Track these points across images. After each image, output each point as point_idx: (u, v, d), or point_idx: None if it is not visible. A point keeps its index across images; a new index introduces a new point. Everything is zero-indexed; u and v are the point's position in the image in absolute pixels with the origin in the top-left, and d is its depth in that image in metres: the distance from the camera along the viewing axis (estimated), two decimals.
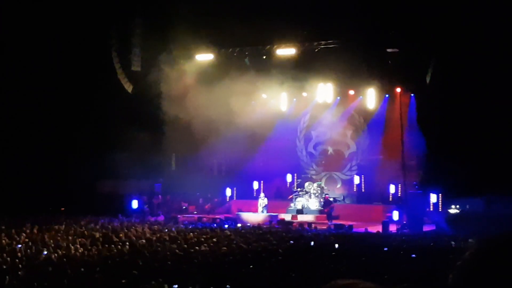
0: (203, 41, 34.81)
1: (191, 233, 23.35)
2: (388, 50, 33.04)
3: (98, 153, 33.68)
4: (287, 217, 33.29)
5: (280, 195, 37.56)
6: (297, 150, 40.06)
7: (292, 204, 35.30)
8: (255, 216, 33.08)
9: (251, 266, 15.55)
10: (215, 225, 29.14)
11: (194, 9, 33.12)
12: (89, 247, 19.11)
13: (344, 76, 35.03)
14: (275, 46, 35.48)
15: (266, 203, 34.39)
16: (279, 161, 37.95)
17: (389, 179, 34.82)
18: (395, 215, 30.73)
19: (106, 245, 19.32)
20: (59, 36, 33.77)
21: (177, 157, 38.96)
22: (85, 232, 23.62)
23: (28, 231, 23.35)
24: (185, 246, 19.31)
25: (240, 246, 19.54)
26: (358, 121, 38.18)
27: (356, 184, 37.45)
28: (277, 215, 33.01)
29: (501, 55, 29.02)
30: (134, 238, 21.78)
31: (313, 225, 30.12)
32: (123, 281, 13.17)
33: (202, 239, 21.45)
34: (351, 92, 37.52)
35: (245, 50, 36.49)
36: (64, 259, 16.48)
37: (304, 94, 38.05)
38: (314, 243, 21.47)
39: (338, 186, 38.46)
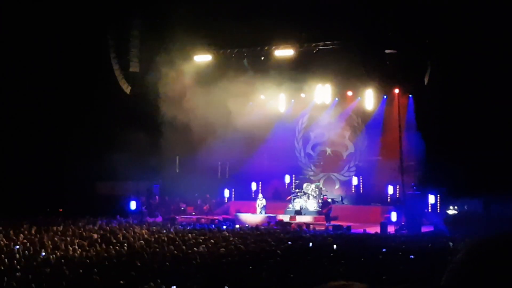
0: (201, 42, 34.81)
1: (190, 234, 23.34)
2: (386, 51, 33.06)
3: (96, 154, 33.67)
4: (286, 218, 33.27)
5: (279, 196, 37.52)
6: (295, 151, 40.05)
7: (290, 205, 35.30)
8: (254, 217, 33.07)
9: (249, 267, 15.55)
10: (213, 226, 29.14)
11: (192, 10, 33.11)
12: (87, 248, 19.10)
13: (342, 77, 35.05)
14: (273, 47, 35.47)
15: (264, 204, 34.39)
16: (277, 162, 37.96)
17: (387, 180, 34.82)
18: (394, 216, 30.72)
19: (104, 246, 19.31)
20: (58, 37, 33.78)
21: (173, 158, 38.89)
22: (83, 233, 23.63)
23: (26, 232, 23.34)
24: (184, 247, 19.30)
25: (238, 247, 19.53)
26: (356, 122, 38.17)
27: (354, 185, 37.44)
28: (275, 216, 32.99)
29: (499, 56, 29.05)
30: (132, 239, 21.78)
31: (311, 226, 30.11)
32: (121, 282, 13.16)
33: (201, 240, 21.44)
34: (349, 93, 37.51)
35: (243, 51, 36.48)
36: (62, 260, 16.47)
37: (302, 95, 38.04)
38: (312, 244, 21.47)
39: (337, 187, 38.45)
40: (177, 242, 20.81)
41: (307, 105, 38.74)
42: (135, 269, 14.73)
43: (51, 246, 19.44)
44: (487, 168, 28.82)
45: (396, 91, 35.07)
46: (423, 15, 30.58)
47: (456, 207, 32.63)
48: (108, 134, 33.73)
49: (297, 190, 36.00)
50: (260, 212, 34.10)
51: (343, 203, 36.78)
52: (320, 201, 34.77)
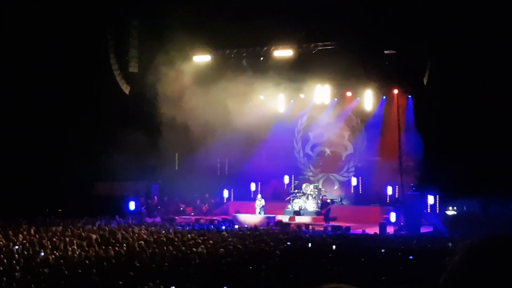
0: (200, 42, 34.80)
1: (189, 235, 23.33)
2: (386, 51, 33.07)
3: (95, 154, 33.66)
4: (285, 218, 33.27)
5: (278, 196, 37.50)
6: (294, 151, 40.05)
7: (289, 206, 35.30)
8: (253, 218, 33.06)
9: (248, 268, 15.54)
10: (212, 226, 29.14)
11: (191, 10, 33.10)
12: (86, 249, 19.09)
13: (341, 78, 35.03)
14: (272, 48, 35.49)
15: (263, 204, 34.40)
16: (276, 163, 37.96)
17: (386, 180, 34.81)
18: (393, 216, 30.75)
19: (103, 247, 19.30)
20: (57, 38, 33.76)
21: (172, 158, 38.88)
22: (82, 233, 23.61)
23: (25, 232, 23.33)
24: (183, 247, 19.30)
25: (238, 248, 19.54)
26: (356, 123, 38.17)
27: (353, 186, 37.44)
28: (274, 217, 32.98)
29: (498, 56, 29.06)
30: (131, 239, 21.77)
31: (310, 227, 30.11)
32: (120, 282, 13.16)
33: (200, 241, 21.44)
34: (349, 93, 37.51)
35: (242, 52, 36.49)
36: (61, 261, 16.46)
37: (302, 95, 38.03)
38: (311, 244, 21.47)
39: (336, 187, 38.45)
40: (176, 243, 20.80)
41: (306, 105, 38.74)
42: (134, 269, 14.73)
43: (50, 246, 19.44)
44: (486, 168, 28.84)
45: (395, 91, 35.08)
46: (423, 16, 30.59)
47: (455, 207, 32.64)
48: (107, 134, 33.74)
49: (296, 191, 36.01)
50: (259, 213, 34.11)
51: (342, 203, 36.80)
52: (319, 201, 34.79)
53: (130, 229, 25.41)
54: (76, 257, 17.39)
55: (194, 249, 18.90)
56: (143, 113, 35.83)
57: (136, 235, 23.42)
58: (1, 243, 20.04)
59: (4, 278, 13.62)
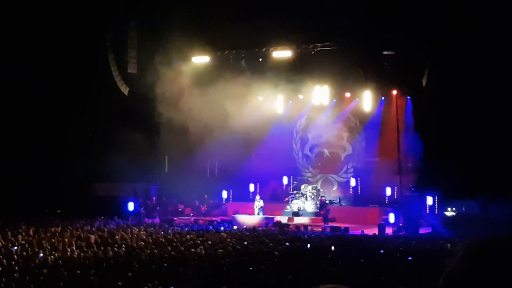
0: (199, 43, 34.80)
1: (187, 236, 23.34)
2: (384, 52, 33.07)
3: (94, 155, 33.66)
4: (283, 219, 33.26)
5: (276, 197, 37.51)
6: (293, 152, 40.06)
7: (288, 207, 35.28)
8: (251, 219, 33.07)
9: (247, 269, 15.54)
10: (211, 227, 29.14)
11: (190, 11, 33.10)
12: (85, 250, 19.09)
13: (340, 79, 35.01)
14: (271, 49, 35.49)
15: (262, 205, 34.41)
16: (275, 164, 37.94)
17: (385, 181, 34.82)
18: (391, 217, 30.75)
19: (102, 248, 19.30)
20: (56, 39, 33.74)
21: (170, 159, 38.83)
22: (81, 234, 23.60)
23: (24, 233, 23.32)
24: (181, 248, 19.30)
25: (236, 249, 19.55)
26: (354, 124, 38.17)
27: (352, 187, 37.43)
28: (273, 218, 32.99)
29: (497, 57, 29.07)
30: (130, 240, 21.77)
31: (309, 228, 30.12)
32: (119, 283, 13.16)
33: (198, 242, 21.44)
34: (347, 94, 37.53)
35: (241, 53, 36.49)
36: (60, 262, 16.46)
37: (300, 96, 38.03)
38: (310, 245, 21.47)
39: (334, 188, 38.44)
40: (174, 243, 20.81)
41: (305, 106, 38.75)
42: (133, 270, 14.73)
43: (49, 247, 19.43)
44: (485, 169, 28.86)
45: (394, 92, 35.12)
46: (421, 17, 30.60)
47: (454, 208, 32.65)
48: (106, 135, 33.73)
49: (295, 192, 36.00)
50: (258, 214, 34.11)
51: (341, 204, 36.80)
52: (318, 202, 34.77)
53: (129, 230, 25.40)
54: (75, 258, 17.39)
55: (193, 250, 18.90)
56: (142, 114, 35.80)
57: (135, 236, 23.43)
58: (0, 243, 20.03)
59: (3, 279, 13.62)
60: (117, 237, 22.40)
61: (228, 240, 22.23)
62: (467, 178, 28.85)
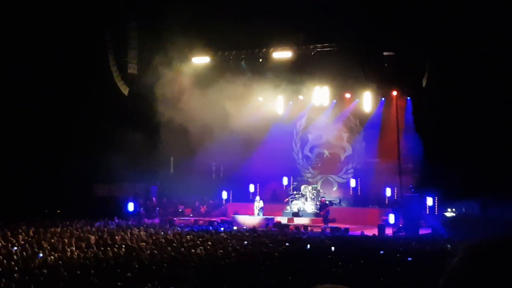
0: (199, 44, 34.81)
1: (187, 236, 23.33)
2: (385, 53, 33.08)
3: (94, 156, 33.66)
4: (283, 220, 33.26)
5: (276, 198, 37.51)
6: (293, 153, 40.07)
7: (288, 207, 35.28)
8: (251, 219, 33.07)
9: (247, 269, 15.54)
10: (211, 228, 29.13)
11: (191, 11, 33.10)
12: (85, 250, 19.08)
13: (340, 79, 35.03)
14: (271, 49, 35.49)
15: (262, 206, 34.41)
16: (275, 164, 37.93)
17: (385, 182, 34.83)
18: (391, 218, 30.76)
19: (102, 248, 19.29)
20: (56, 39, 33.74)
21: (175, 160, 38.88)
22: (81, 235, 23.60)
23: (24, 233, 23.32)
24: (181, 249, 19.30)
25: (236, 249, 19.54)
26: (354, 124, 38.17)
27: (352, 187, 37.44)
28: (273, 218, 32.99)
29: (497, 58, 29.07)
30: (130, 241, 21.77)
31: (309, 228, 30.12)
32: (119, 284, 13.15)
33: (198, 242, 21.44)
34: (348, 95, 37.55)
35: (241, 53, 36.50)
36: (60, 262, 16.46)
37: (301, 97, 38.06)
38: (310, 246, 21.47)
39: (334, 189, 38.44)
40: (174, 244, 20.80)
41: (305, 107, 38.78)
42: (133, 271, 14.72)
43: (49, 247, 19.43)
44: (485, 170, 28.85)
45: (394, 93, 35.13)
46: (421, 17, 30.59)
47: (454, 209, 32.64)
48: (106, 135, 33.72)
49: (295, 192, 35.99)
50: (258, 214, 34.12)
51: (340, 205, 36.79)
52: (318, 203, 34.77)
53: (129, 230, 25.40)
54: (75, 258, 17.39)
55: (193, 250, 18.89)
56: (142, 115, 35.79)
57: (135, 236, 23.43)
58: (0, 244, 20.03)
59: (3, 279, 13.61)
60: (117, 237, 22.39)
61: (228, 240, 22.22)
62: (467, 179, 28.84)
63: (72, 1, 33.93)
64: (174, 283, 13.45)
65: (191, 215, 36.74)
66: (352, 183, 37.40)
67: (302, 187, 36.06)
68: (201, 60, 36.75)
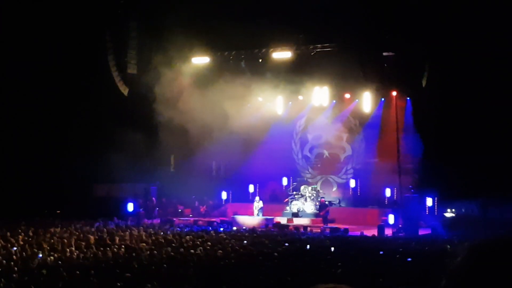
0: (199, 44, 34.79)
1: (187, 236, 23.32)
2: (384, 53, 33.10)
3: (94, 156, 33.66)
4: (283, 220, 33.26)
5: (276, 198, 37.51)
6: (292, 153, 40.06)
7: (287, 208, 35.27)
8: (251, 220, 33.07)
9: (246, 270, 15.54)
10: (210, 228, 29.12)
11: (190, 12, 33.10)
12: (85, 250, 19.07)
13: (340, 80, 35.04)
14: (271, 50, 35.50)
15: (261, 206, 34.39)
16: (274, 165, 37.91)
17: (384, 182, 34.82)
18: (391, 218, 30.76)
19: (102, 248, 19.28)
20: (56, 39, 33.74)
21: (175, 160, 38.87)
22: (81, 235, 23.59)
23: (23, 233, 23.30)
24: (181, 249, 19.29)
25: (236, 249, 19.54)
26: (354, 125, 38.17)
27: (351, 188, 37.44)
28: (272, 219, 32.98)
29: (496, 59, 29.08)
30: (129, 241, 21.76)
31: (308, 229, 30.11)
32: (118, 284, 13.14)
33: (198, 243, 21.42)
34: (347, 95, 37.55)
35: (241, 53, 36.51)
36: (60, 262, 16.45)
37: (300, 97, 38.06)
38: (309, 246, 21.47)
39: (334, 189, 38.43)
40: (174, 244, 20.79)
41: (305, 107, 38.79)
42: (132, 271, 14.71)
43: (48, 248, 19.42)
44: (484, 170, 28.84)
45: (394, 93, 35.11)
46: (421, 17, 30.60)
47: (453, 209, 32.64)
48: (106, 135, 33.72)
49: (294, 193, 35.97)
50: (257, 215, 34.11)
51: (340, 205, 36.80)
52: (317, 203, 34.76)
53: (128, 230, 25.39)
54: (74, 258, 17.38)
55: (192, 250, 18.88)
56: (142, 115, 35.80)
57: (135, 236, 23.42)
58: None
59: (2, 280, 13.60)
60: (116, 238, 22.38)
61: (228, 241, 22.21)
62: (467, 179, 28.84)
63: (71, 1, 33.93)
64: (174, 283, 13.44)
65: (191, 215, 36.73)
66: (352, 183, 37.41)
67: (302, 187, 36.05)
68: (200, 60, 36.76)
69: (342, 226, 30.30)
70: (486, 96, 29.56)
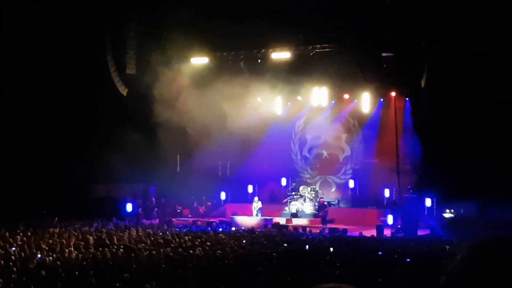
0: (198, 44, 34.79)
1: (186, 237, 23.32)
2: (383, 54, 33.09)
3: (92, 156, 33.64)
4: (282, 220, 33.23)
5: (275, 198, 37.50)
6: (291, 153, 40.06)
7: (286, 208, 35.26)
8: (250, 220, 33.06)
9: (245, 270, 15.54)
10: (209, 228, 29.12)
11: (189, 12, 33.09)
12: (83, 251, 19.07)
13: (339, 80, 35.05)
14: (270, 50, 35.49)
15: (260, 206, 34.39)
16: (273, 165, 37.93)
17: (383, 183, 34.81)
18: (390, 219, 30.75)
19: (100, 249, 19.28)
20: (55, 39, 33.72)
21: (171, 160, 38.84)
22: (79, 235, 23.58)
23: (22, 234, 23.29)
24: (180, 249, 19.28)
25: (235, 250, 19.53)
26: (353, 125, 38.18)
27: (350, 188, 37.42)
28: (271, 219, 32.97)
29: (495, 59, 29.09)
30: (128, 241, 21.76)
31: (307, 229, 30.09)
32: (117, 284, 13.14)
33: (197, 243, 21.42)
34: (346, 96, 37.54)
35: (240, 54, 36.49)
36: (58, 263, 16.44)
37: (299, 97, 38.07)
38: (308, 247, 21.46)
39: (333, 190, 38.42)
40: (173, 245, 20.79)
41: (304, 107, 38.79)
42: (131, 271, 14.71)
43: (47, 248, 19.41)
44: (483, 171, 28.86)
45: (393, 94, 35.12)
46: (420, 18, 30.61)
47: (452, 210, 32.64)
48: (105, 136, 33.70)
49: (293, 193, 35.95)
50: (256, 215, 34.10)
51: (339, 206, 36.78)
52: (316, 204, 34.76)
53: (127, 231, 25.38)
54: (73, 259, 17.37)
55: (191, 251, 18.88)
56: (141, 115, 35.77)
57: (133, 237, 23.41)
58: None
59: (1, 280, 13.59)
60: (115, 238, 22.37)
61: (226, 241, 22.21)
62: (466, 180, 28.86)
63: (71, 2, 33.91)
64: (172, 283, 13.44)
65: (190, 215, 36.71)
66: (351, 183, 37.39)
67: (301, 187, 36.03)
68: (199, 60, 36.75)
69: (341, 227, 30.31)
70: (485, 96, 29.56)
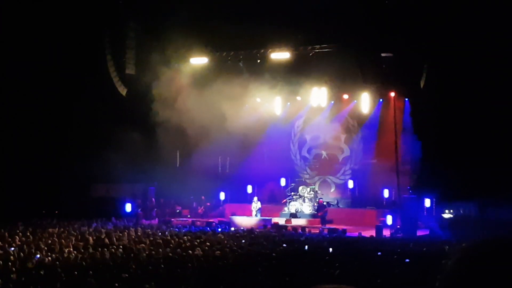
0: (197, 45, 34.80)
1: (185, 237, 23.30)
2: (383, 54, 33.08)
3: (92, 156, 33.64)
4: (281, 221, 33.24)
5: (274, 199, 37.52)
6: (291, 154, 40.07)
7: (285, 208, 35.27)
8: (249, 220, 33.06)
9: (244, 270, 15.53)
10: (208, 229, 29.12)
11: (189, 12, 33.09)
12: (82, 251, 19.05)
13: (338, 80, 35.07)
14: (269, 50, 35.49)
15: (260, 206, 34.39)
16: (273, 165, 37.93)
17: (383, 183, 34.81)
18: (389, 219, 30.74)
19: (99, 249, 19.27)
20: (54, 39, 33.72)
21: (171, 159, 38.82)
22: (79, 235, 23.56)
23: (21, 234, 23.28)
24: (179, 250, 19.27)
25: (234, 250, 19.52)
26: (352, 125, 38.19)
27: (349, 188, 37.42)
28: (270, 219, 32.97)
29: (495, 60, 29.10)
30: (127, 241, 21.75)
31: (306, 229, 30.10)
32: (116, 284, 13.13)
33: (196, 243, 21.41)
34: (345, 96, 37.56)
35: (239, 54, 36.50)
36: (57, 263, 16.43)
37: (298, 98, 38.08)
38: (307, 247, 21.46)
39: (332, 190, 38.44)
40: (172, 245, 20.78)
41: (303, 108, 38.80)
42: (130, 271, 14.70)
43: (46, 248, 19.40)
44: (483, 171, 28.86)
45: (392, 94, 35.13)
46: (420, 18, 30.61)
47: (451, 210, 32.65)
48: (104, 136, 33.71)
49: (292, 193, 35.95)
50: (256, 215, 34.10)
51: (338, 206, 36.80)
52: (315, 204, 34.77)
53: (126, 231, 25.37)
54: (72, 259, 17.35)
55: (190, 251, 18.87)
56: (140, 115, 35.79)
57: (133, 237, 23.40)
58: None
59: (0, 280, 13.58)
60: (114, 238, 22.36)
61: (226, 241, 22.20)
62: (465, 180, 28.86)
63: (71, 1, 33.91)
64: (172, 284, 13.43)
65: (189, 216, 36.71)
66: (350, 184, 37.39)
67: (300, 188, 36.03)
68: (199, 60, 36.75)
69: (340, 227, 30.30)
70: (484, 97, 29.57)
